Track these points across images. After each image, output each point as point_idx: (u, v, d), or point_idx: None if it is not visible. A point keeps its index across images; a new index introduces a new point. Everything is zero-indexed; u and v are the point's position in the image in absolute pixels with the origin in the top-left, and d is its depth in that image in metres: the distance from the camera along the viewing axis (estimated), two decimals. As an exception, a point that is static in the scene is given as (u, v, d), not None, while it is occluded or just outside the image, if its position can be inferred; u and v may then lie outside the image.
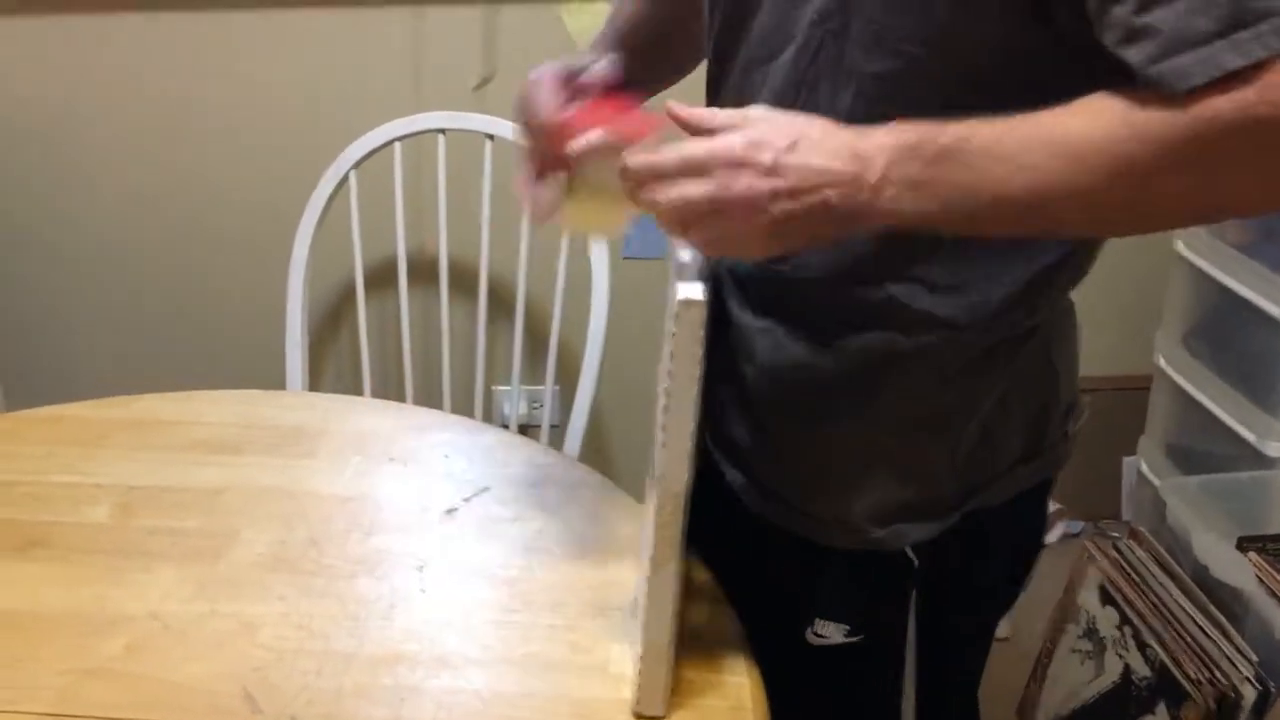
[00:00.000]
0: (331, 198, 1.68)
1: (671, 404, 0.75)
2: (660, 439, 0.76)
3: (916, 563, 0.88)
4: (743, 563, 0.95)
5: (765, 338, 0.86)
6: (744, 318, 0.88)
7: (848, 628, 0.90)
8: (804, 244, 0.68)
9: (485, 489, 1.11)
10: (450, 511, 1.07)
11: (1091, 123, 0.63)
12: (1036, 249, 0.80)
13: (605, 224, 0.86)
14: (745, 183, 0.64)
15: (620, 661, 0.89)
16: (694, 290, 0.72)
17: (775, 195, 0.65)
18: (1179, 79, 0.60)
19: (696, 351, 0.73)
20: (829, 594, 0.90)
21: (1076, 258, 0.82)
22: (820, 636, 0.91)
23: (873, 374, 0.83)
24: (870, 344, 0.82)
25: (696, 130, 0.67)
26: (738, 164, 0.64)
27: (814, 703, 0.95)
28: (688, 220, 0.67)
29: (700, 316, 0.72)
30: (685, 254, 0.77)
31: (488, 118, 1.70)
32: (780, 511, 0.89)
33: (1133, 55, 0.62)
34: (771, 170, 0.64)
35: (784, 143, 0.64)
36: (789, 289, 0.83)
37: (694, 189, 0.66)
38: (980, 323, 0.81)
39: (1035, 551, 1.02)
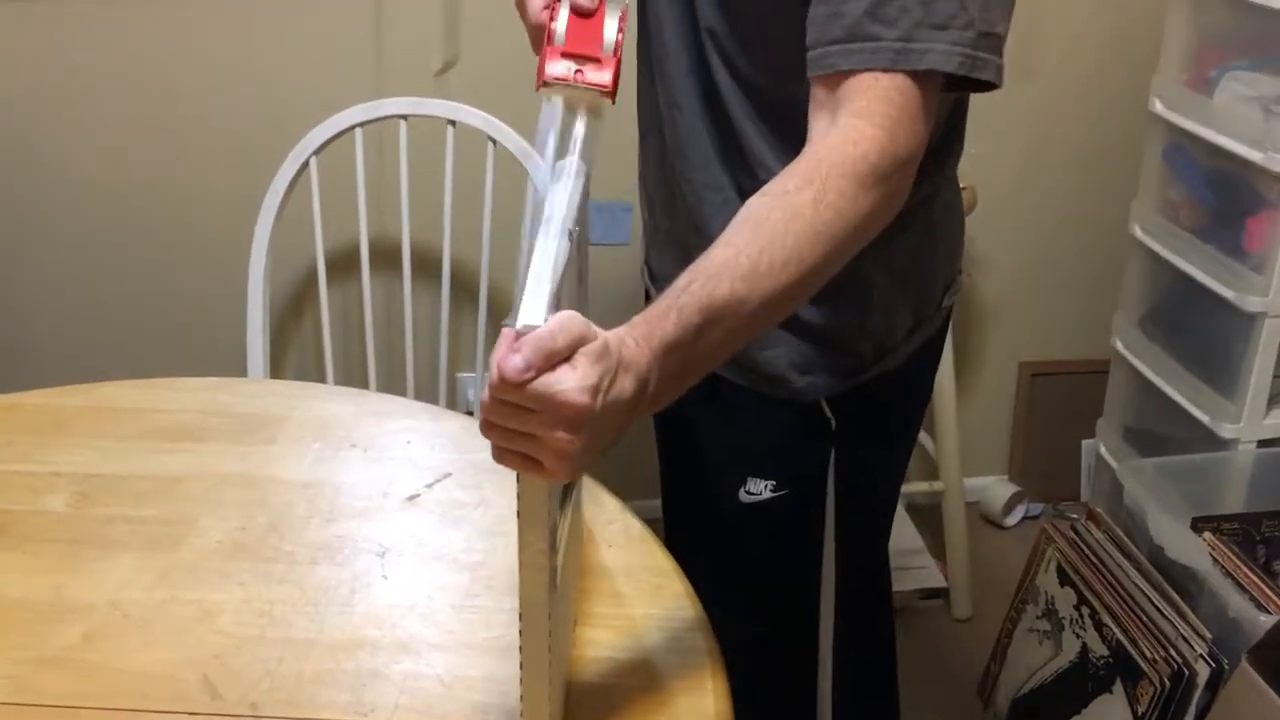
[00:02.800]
0: (292, 184, 1.67)
1: (524, 477, 0.67)
2: (517, 487, 0.67)
3: (834, 423, 1.07)
4: (687, 435, 1.15)
5: (715, 195, 1.03)
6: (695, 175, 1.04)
7: (774, 483, 1.08)
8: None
9: (447, 475, 1.11)
10: (412, 498, 1.07)
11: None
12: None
13: None
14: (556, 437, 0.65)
15: (582, 644, 0.89)
16: (536, 315, 0.65)
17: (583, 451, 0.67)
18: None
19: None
20: (759, 452, 1.09)
21: (951, 141, 1.03)
22: (751, 494, 1.09)
23: None
24: None
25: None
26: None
27: (745, 555, 1.13)
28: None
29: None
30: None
31: (450, 103, 1.69)
32: (729, 368, 1.05)
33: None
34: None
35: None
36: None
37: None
38: None
39: (924, 402, 1.24)
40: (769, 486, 1.09)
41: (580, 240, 0.83)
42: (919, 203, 0.97)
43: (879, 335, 1.06)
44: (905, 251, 1.03)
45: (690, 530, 1.22)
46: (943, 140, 1.01)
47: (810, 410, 1.07)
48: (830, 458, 1.09)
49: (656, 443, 1.28)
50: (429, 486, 1.09)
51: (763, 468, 1.09)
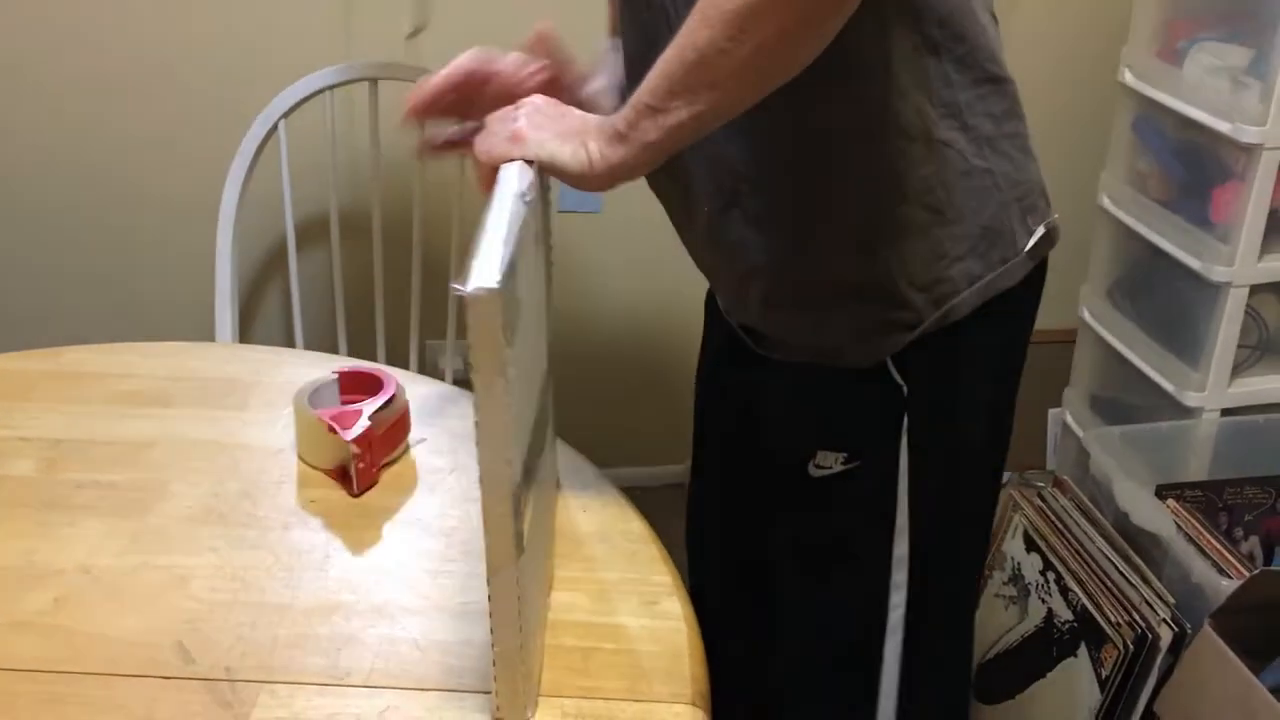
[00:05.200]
0: (261, 147, 1.65)
1: (481, 401, 0.67)
2: (476, 436, 0.68)
3: (906, 389, 0.99)
4: (753, 411, 1.09)
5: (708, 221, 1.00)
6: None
7: (844, 455, 1.01)
8: (574, 146, 0.86)
9: (422, 440, 1.10)
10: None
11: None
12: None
13: None
14: (528, 106, 0.90)
15: (557, 609, 0.89)
16: (487, 278, 0.65)
17: (547, 106, 0.90)
18: None
19: (499, 344, 0.66)
20: (828, 424, 1.02)
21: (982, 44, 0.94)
22: (821, 468, 1.02)
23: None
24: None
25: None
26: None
27: (815, 531, 1.06)
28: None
29: (496, 310, 0.65)
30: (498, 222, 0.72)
31: (421, 67, 1.67)
32: (777, 347, 1.03)
33: None
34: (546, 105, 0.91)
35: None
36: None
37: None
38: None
39: (1008, 372, 1.07)
40: (840, 459, 1.01)
41: (538, 204, 0.84)
42: (950, 126, 0.92)
43: (929, 281, 0.96)
44: (944, 183, 0.94)
45: (754, 509, 1.13)
46: (974, 39, 0.93)
47: (876, 374, 0.99)
48: (903, 424, 1.00)
49: (703, 433, 1.23)
50: (403, 451, 1.08)
51: (831, 438, 1.01)
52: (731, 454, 1.17)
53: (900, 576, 1.03)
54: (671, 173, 0.96)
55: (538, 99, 0.90)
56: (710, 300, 1.17)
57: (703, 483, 1.25)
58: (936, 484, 1.03)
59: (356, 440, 1.00)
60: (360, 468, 1.01)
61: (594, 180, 0.86)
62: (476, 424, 0.68)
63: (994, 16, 0.97)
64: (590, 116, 0.88)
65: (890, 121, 0.90)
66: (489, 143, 0.87)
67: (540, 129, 0.86)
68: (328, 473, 1.04)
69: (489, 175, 0.85)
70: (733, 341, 1.08)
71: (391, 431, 1.06)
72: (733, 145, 0.93)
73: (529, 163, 0.84)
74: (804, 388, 1.02)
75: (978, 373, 1.03)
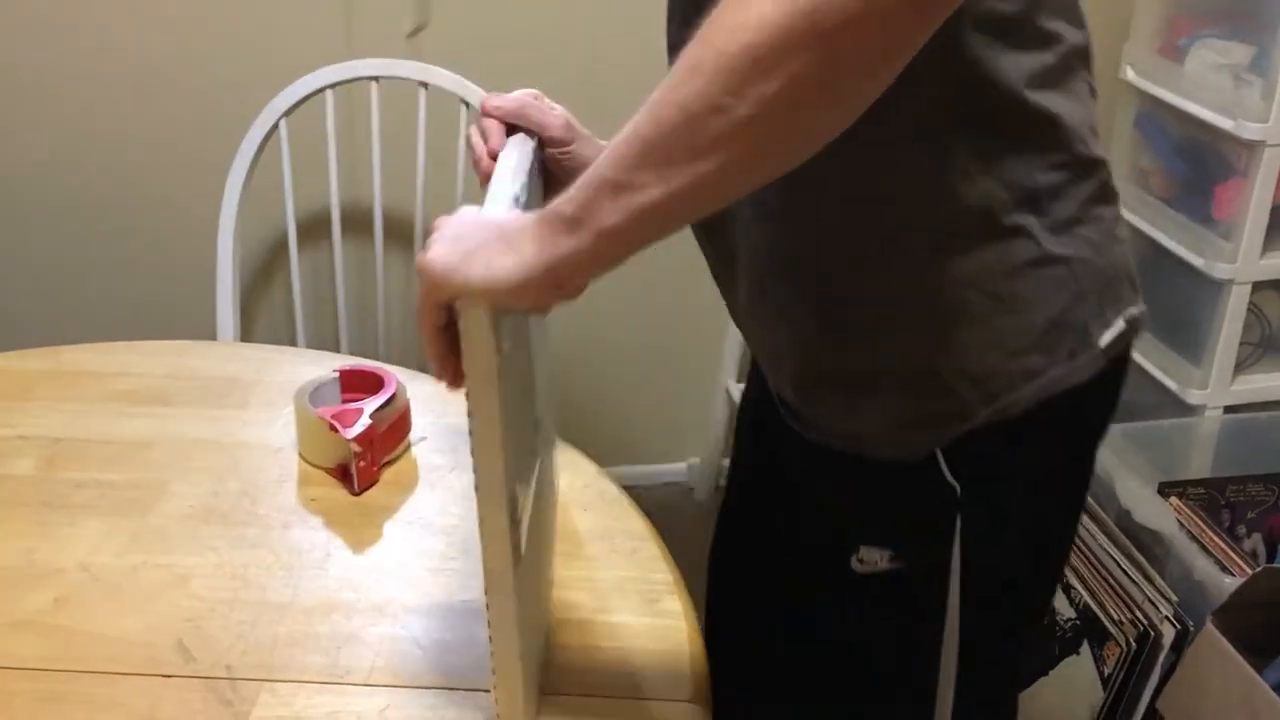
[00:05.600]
0: (261, 146, 1.65)
1: (475, 410, 0.66)
2: (471, 445, 0.67)
3: (958, 489, 0.88)
4: (792, 495, 0.97)
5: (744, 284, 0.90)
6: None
7: (890, 552, 0.90)
8: (500, 256, 0.68)
9: (423, 438, 1.10)
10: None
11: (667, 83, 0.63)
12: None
13: None
14: (440, 230, 0.73)
15: (559, 607, 0.89)
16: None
17: (460, 221, 0.72)
18: None
19: (490, 355, 0.65)
20: (872, 516, 0.92)
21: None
22: (864, 563, 0.91)
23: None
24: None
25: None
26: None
27: (854, 632, 0.97)
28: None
29: (485, 318, 0.64)
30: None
31: (422, 65, 1.67)
32: (815, 434, 0.91)
33: None
34: (453, 219, 0.73)
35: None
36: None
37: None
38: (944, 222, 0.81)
39: (1073, 475, 0.96)
40: (885, 556, 0.91)
41: (535, 203, 0.83)
42: (1023, 211, 0.80)
43: (981, 374, 0.84)
44: (1009, 271, 0.82)
45: (786, 606, 1.03)
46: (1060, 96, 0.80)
47: (925, 470, 0.88)
48: (955, 526, 0.90)
49: (724, 525, 1.12)
50: (404, 450, 1.08)
51: (876, 534, 0.91)
52: (766, 527, 1.05)
53: (947, 678, 0.94)
54: (709, 232, 0.88)
55: (453, 215, 0.73)
56: None
57: (730, 536, 1.13)
58: (989, 592, 0.93)
59: (357, 439, 1.00)
60: (361, 466, 1.01)
61: (534, 288, 0.66)
62: (470, 433, 0.67)
63: (1093, 89, 0.86)
64: (524, 215, 0.70)
65: (947, 204, 0.79)
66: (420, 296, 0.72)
67: (450, 247, 0.68)
68: (328, 471, 1.04)
69: (433, 346, 0.71)
70: (768, 401, 0.97)
71: (392, 430, 1.05)
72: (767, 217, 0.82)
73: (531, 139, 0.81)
74: (848, 473, 0.90)
75: (1039, 476, 0.92)
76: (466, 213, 0.71)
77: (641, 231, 0.65)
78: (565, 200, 0.65)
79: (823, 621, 0.97)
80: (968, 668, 0.95)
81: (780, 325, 0.88)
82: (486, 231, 0.68)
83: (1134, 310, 0.89)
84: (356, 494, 1.02)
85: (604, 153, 0.64)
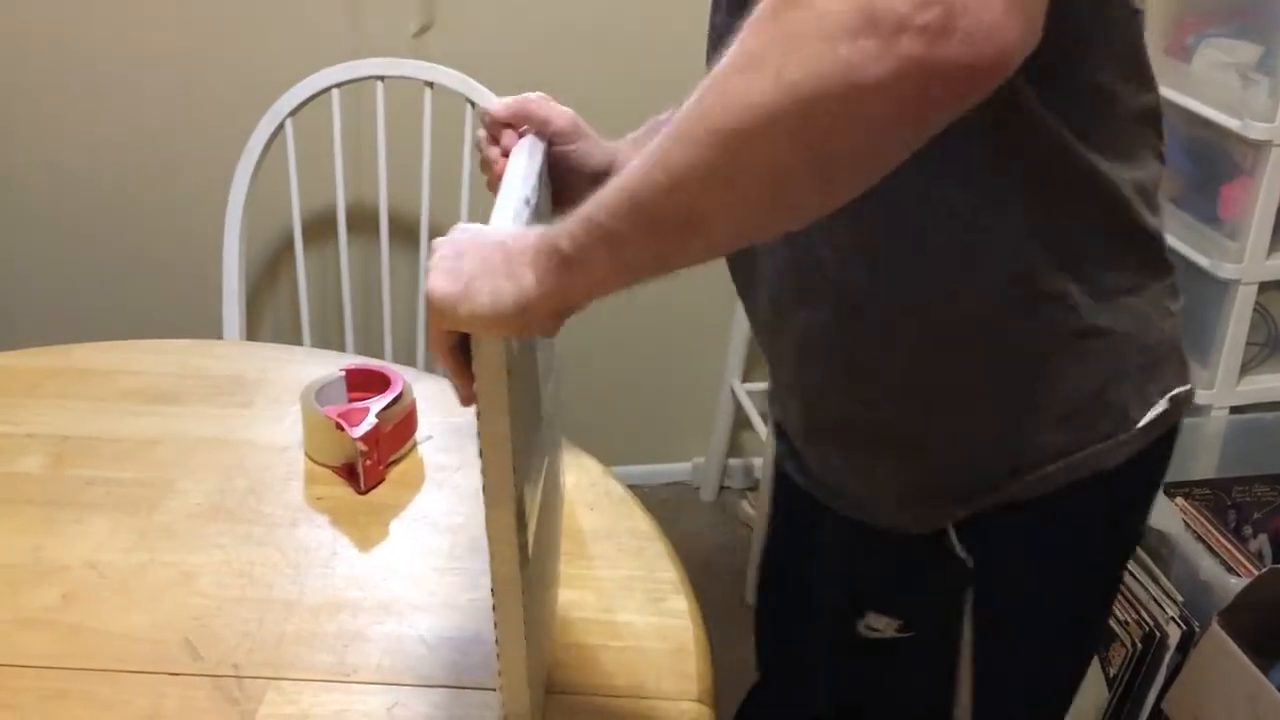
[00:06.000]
0: (267, 146, 1.65)
1: (483, 414, 0.66)
2: (479, 447, 0.67)
3: (971, 563, 0.84)
4: (800, 556, 0.96)
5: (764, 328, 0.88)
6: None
7: (899, 622, 0.87)
8: (505, 286, 0.66)
9: (429, 438, 1.10)
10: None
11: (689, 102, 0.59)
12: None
13: None
14: (446, 244, 0.69)
15: (564, 606, 0.89)
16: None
17: (458, 243, 0.68)
18: None
19: (499, 372, 0.65)
20: (880, 584, 0.88)
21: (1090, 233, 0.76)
22: (872, 630, 0.88)
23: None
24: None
25: None
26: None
27: (867, 699, 0.94)
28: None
29: (494, 342, 0.64)
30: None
31: (428, 65, 1.67)
32: (823, 493, 0.89)
33: None
34: (451, 241, 0.69)
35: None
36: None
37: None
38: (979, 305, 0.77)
39: (1100, 563, 0.90)
40: (893, 625, 0.87)
41: (544, 205, 0.83)
42: (1064, 278, 0.76)
43: (1002, 449, 0.80)
44: (1042, 340, 0.77)
45: (795, 670, 1.02)
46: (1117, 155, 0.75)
47: (935, 541, 0.84)
48: (966, 600, 0.85)
49: (757, 586, 1.11)
50: (410, 449, 1.08)
51: (884, 602, 0.88)
52: (782, 583, 1.03)
53: None
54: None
55: (449, 235, 0.70)
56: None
57: (769, 580, 1.10)
58: (1004, 668, 0.89)
59: (363, 438, 1.00)
60: (367, 465, 1.01)
61: (535, 317, 0.65)
62: (479, 437, 0.67)
63: (1161, 155, 0.80)
64: (523, 234, 0.67)
65: (984, 258, 0.74)
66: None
67: (452, 277, 0.66)
68: (335, 470, 1.05)
69: (450, 364, 0.69)
70: (791, 496, 0.96)
71: (398, 429, 1.06)
72: (798, 244, 0.78)
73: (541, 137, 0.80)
74: (857, 537, 0.87)
75: (1063, 559, 0.87)
76: (464, 234, 0.69)
77: (636, 278, 0.64)
78: (564, 235, 0.64)
79: (828, 681, 0.94)
80: None
81: (798, 352, 0.84)
82: (487, 257, 0.66)
83: (1180, 389, 0.83)
84: (363, 493, 1.02)
85: (603, 193, 0.62)
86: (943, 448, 0.81)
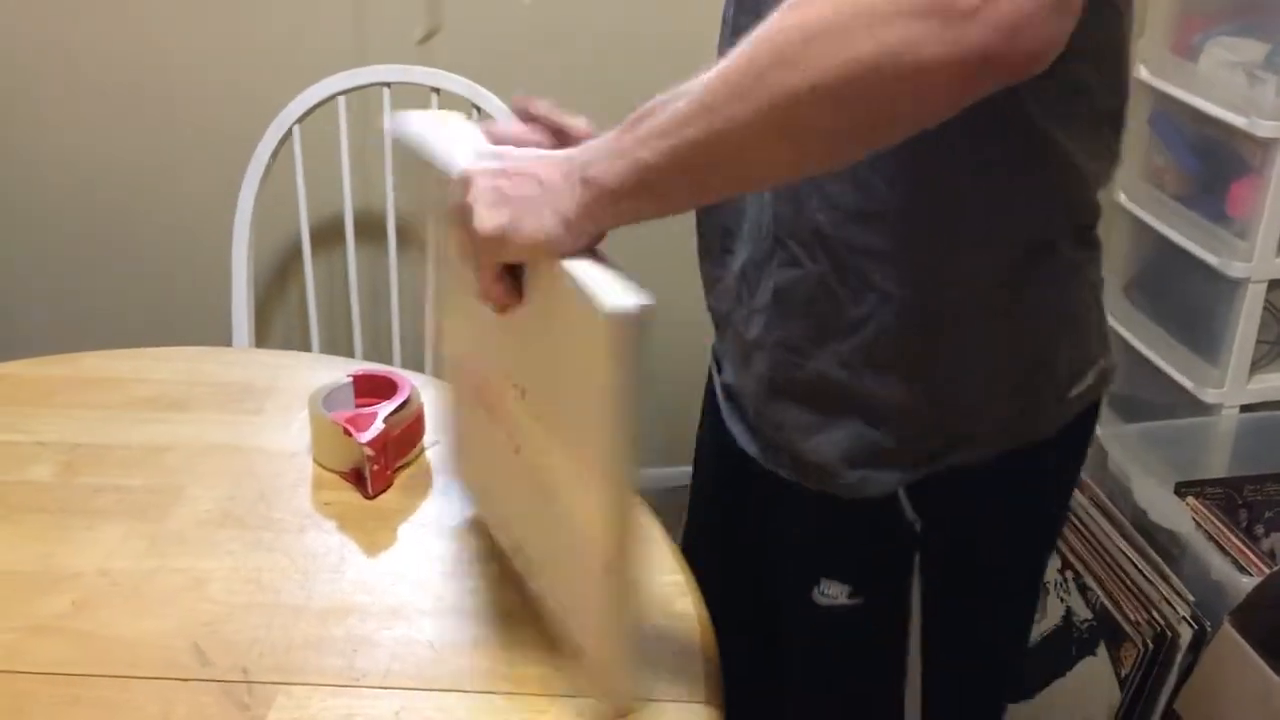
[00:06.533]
0: (275, 153, 1.66)
1: (619, 406, 0.70)
2: (609, 434, 0.71)
3: (918, 525, 0.89)
4: (753, 524, 0.97)
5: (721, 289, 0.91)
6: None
7: (850, 588, 0.91)
8: (532, 217, 0.71)
9: (436, 442, 1.10)
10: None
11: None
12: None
13: None
14: (480, 176, 0.74)
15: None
16: (629, 299, 0.67)
17: (494, 173, 0.74)
18: None
19: (637, 359, 0.69)
20: (833, 551, 0.92)
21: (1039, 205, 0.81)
22: (826, 596, 0.92)
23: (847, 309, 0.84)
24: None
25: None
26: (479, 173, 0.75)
27: (820, 666, 0.98)
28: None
29: (635, 331, 0.67)
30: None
31: (434, 71, 1.68)
32: (770, 456, 0.91)
33: None
34: (500, 169, 0.75)
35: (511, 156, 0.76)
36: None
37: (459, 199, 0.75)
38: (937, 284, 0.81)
39: (1039, 527, 0.98)
40: (845, 591, 0.92)
41: None
42: (1034, 252, 0.81)
43: (950, 423, 0.86)
44: (998, 311, 0.83)
45: (753, 637, 1.03)
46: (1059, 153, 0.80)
47: (886, 506, 0.89)
48: (914, 563, 0.91)
49: (696, 548, 1.08)
50: (418, 454, 1.09)
51: (836, 568, 0.92)
52: (724, 559, 1.04)
53: (912, 713, 0.96)
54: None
55: (478, 164, 0.75)
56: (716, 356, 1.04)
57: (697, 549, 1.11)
58: (952, 626, 0.94)
59: (371, 443, 1.00)
60: (375, 470, 1.01)
61: (575, 238, 0.71)
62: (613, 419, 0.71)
63: (1117, 155, 0.87)
64: (554, 163, 0.72)
65: (966, 238, 0.80)
66: (463, 248, 0.75)
67: (496, 209, 0.71)
68: (343, 476, 1.05)
69: (499, 292, 0.75)
70: (724, 418, 0.97)
71: (406, 434, 1.06)
72: (813, 194, 0.81)
73: None
74: (807, 506, 0.91)
75: (1005, 519, 0.93)
76: (497, 163, 0.74)
77: (671, 211, 0.70)
78: (604, 169, 0.69)
79: (786, 649, 0.96)
80: (935, 703, 0.96)
81: (771, 309, 0.86)
82: (526, 187, 0.71)
83: (1105, 364, 0.90)
84: (371, 498, 1.02)
85: (646, 133, 0.67)
86: (908, 411, 0.85)
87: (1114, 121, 0.84)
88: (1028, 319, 0.84)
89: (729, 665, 0.87)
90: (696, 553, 1.05)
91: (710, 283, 0.95)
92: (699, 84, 0.65)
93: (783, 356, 0.87)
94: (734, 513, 1.04)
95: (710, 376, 1.05)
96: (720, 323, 0.95)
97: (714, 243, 0.93)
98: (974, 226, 0.80)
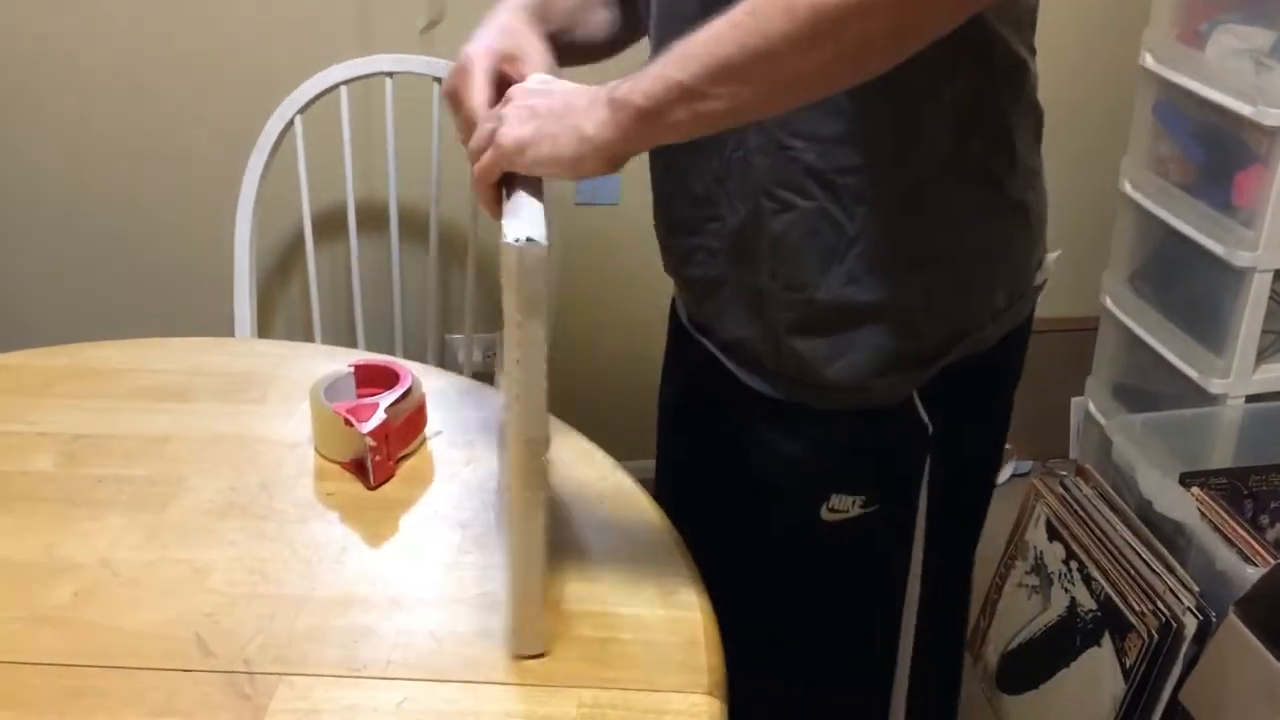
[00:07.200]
0: (277, 142, 1.65)
1: (524, 351, 0.73)
2: (515, 390, 0.74)
3: (931, 428, 0.93)
4: (755, 450, 0.98)
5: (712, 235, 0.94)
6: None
7: (863, 498, 0.94)
8: (549, 141, 0.77)
9: (438, 432, 1.10)
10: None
11: None
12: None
13: None
14: (519, 93, 0.82)
15: (572, 600, 0.89)
16: (531, 229, 0.71)
17: (532, 94, 0.81)
18: None
19: (542, 293, 0.72)
20: (847, 465, 0.94)
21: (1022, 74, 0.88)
22: (835, 511, 0.94)
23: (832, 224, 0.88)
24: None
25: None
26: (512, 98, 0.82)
27: (823, 581, 0.99)
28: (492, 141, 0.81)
29: (539, 261, 0.71)
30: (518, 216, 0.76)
31: (436, 60, 1.67)
32: (796, 391, 0.93)
33: None
34: (527, 90, 0.82)
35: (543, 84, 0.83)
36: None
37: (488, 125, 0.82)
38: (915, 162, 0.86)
39: (1006, 411, 1.07)
40: (857, 502, 0.94)
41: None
42: (1002, 163, 0.89)
43: (958, 316, 0.92)
44: (981, 217, 0.90)
45: (746, 560, 1.02)
46: (1011, 67, 0.88)
47: (903, 411, 0.93)
48: (925, 464, 0.95)
49: (671, 471, 1.13)
50: (420, 444, 1.08)
51: (850, 481, 0.94)
52: (712, 501, 1.04)
53: (910, 615, 1.00)
54: (683, 160, 0.90)
55: (523, 85, 0.82)
56: (675, 323, 1.07)
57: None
58: (948, 529, 1.00)
59: (372, 433, 1.00)
60: (376, 460, 1.01)
61: (592, 164, 0.77)
62: (518, 362, 0.73)
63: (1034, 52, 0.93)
64: (586, 90, 0.78)
65: (937, 135, 0.85)
66: (477, 154, 0.81)
67: (523, 124, 0.78)
68: (344, 466, 1.05)
69: (487, 196, 0.81)
70: (711, 372, 0.97)
71: (408, 424, 1.06)
72: (813, 141, 0.85)
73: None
74: (816, 425, 0.93)
75: (991, 411, 1.03)
76: (539, 85, 0.80)
77: (700, 129, 0.74)
78: (637, 92, 0.73)
79: (786, 571, 0.99)
80: (931, 597, 1.00)
81: (773, 255, 0.89)
82: (558, 108, 0.77)
83: (1048, 253, 1.01)
84: (372, 488, 1.02)
85: (673, 55, 0.72)
86: (922, 313, 0.89)
87: (1033, 19, 0.90)
88: (1001, 204, 0.91)
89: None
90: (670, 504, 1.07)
91: (687, 254, 0.97)
92: (729, 13, 0.70)
93: (792, 296, 0.90)
94: (709, 455, 1.05)
95: (674, 338, 1.09)
96: (709, 288, 0.96)
97: (690, 215, 0.94)
98: (939, 121, 0.84)
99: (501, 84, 0.88)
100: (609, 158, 0.76)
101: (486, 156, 0.80)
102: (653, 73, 0.73)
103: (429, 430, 1.10)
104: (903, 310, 0.89)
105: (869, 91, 0.76)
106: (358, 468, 1.03)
